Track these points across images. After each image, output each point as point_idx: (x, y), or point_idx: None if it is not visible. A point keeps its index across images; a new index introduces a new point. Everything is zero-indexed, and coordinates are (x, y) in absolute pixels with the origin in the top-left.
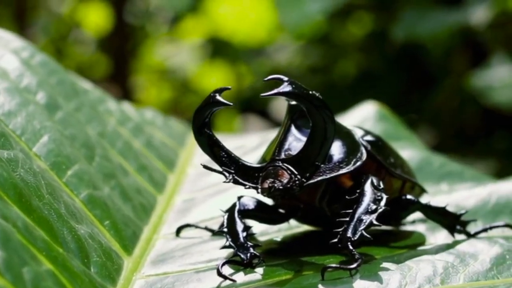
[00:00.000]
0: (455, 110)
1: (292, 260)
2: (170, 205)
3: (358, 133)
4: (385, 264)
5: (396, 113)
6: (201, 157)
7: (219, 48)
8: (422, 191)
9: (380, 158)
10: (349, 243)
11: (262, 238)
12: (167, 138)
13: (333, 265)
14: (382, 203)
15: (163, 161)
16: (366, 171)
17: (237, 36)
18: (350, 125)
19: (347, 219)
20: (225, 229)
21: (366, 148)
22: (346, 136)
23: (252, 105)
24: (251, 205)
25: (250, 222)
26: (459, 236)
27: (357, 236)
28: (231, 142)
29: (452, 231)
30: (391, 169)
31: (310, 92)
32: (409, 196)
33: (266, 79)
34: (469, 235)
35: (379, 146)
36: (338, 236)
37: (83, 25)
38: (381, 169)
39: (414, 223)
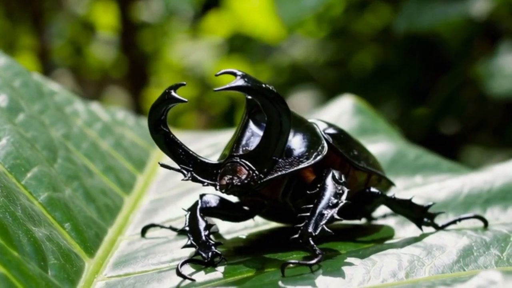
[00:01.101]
0: (477, 100)
1: (255, 258)
2: (137, 206)
3: (320, 127)
4: (349, 259)
5: (411, 104)
6: None
7: (236, 44)
8: (390, 184)
9: (343, 151)
10: (310, 239)
11: (227, 236)
12: (138, 138)
13: (293, 261)
14: (343, 197)
15: (132, 162)
16: (329, 165)
17: (255, 31)
18: (313, 119)
19: (308, 214)
20: (187, 228)
21: (327, 141)
22: (306, 129)
23: None
24: (213, 203)
25: (215, 220)
26: (429, 229)
27: (318, 231)
28: (207, 140)
29: (419, 224)
30: (355, 162)
31: (264, 85)
32: (373, 189)
33: (218, 73)
34: (437, 228)
35: (341, 139)
36: (299, 231)
37: (98, 25)
38: (345, 163)
39: (385, 217)
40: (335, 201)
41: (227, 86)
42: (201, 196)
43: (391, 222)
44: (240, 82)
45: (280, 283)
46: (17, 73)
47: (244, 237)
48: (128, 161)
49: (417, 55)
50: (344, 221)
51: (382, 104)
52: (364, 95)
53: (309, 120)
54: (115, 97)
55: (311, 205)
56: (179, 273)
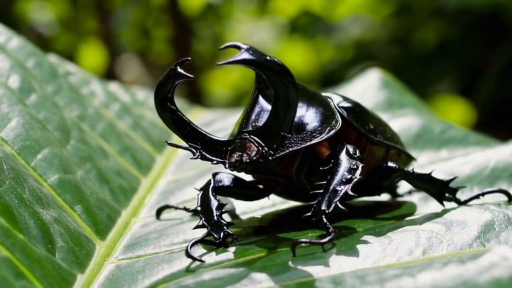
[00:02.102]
0: None
1: (269, 237)
2: (154, 187)
3: (335, 100)
4: (365, 237)
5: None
6: None
7: (300, 24)
8: (410, 158)
9: (358, 125)
10: (323, 216)
11: (243, 216)
12: (158, 117)
13: (304, 240)
14: (357, 172)
15: (151, 142)
16: (344, 140)
17: (319, 10)
18: (328, 92)
19: (321, 191)
20: (199, 208)
21: (342, 115)
22: (319, 103)
23: (333, 79)
24: (227, 182)
25: (232, 199)
26: (451, 205)
27: (331, 209)
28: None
29: (440, 199)
30: (371, 136)
31: (269, 58)
32: (390, 164)
33: (221, 47)
34: (459, 203)
35: (356, 112)
36: (312, 209)
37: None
38: (361, 137)
39: (411, 193)
40: (349, 176)
41: (231, 59)
42: (214, 175)
43: (415, 198)
44: (244, 55)
45: (290, 263)
46: (30, 54)
47: (259, 216)
48: (146, 142)
49: (476, 30)
50: (365, 198)
51: (441, 80)
52: (423, 72)
53: (324, 94)
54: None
55: (325, 182)
56: (188, 255)
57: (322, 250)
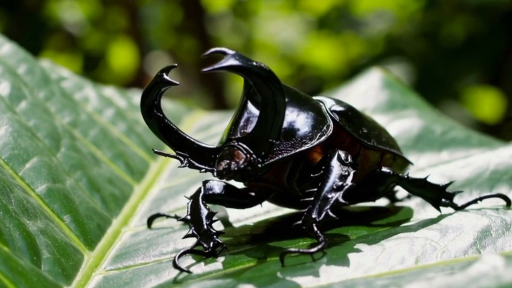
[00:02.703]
0: None
1: (259, 247)
2: (147, 194)
3: (327, 104)
4: (357, 245)
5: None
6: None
7: (328, 20)
8: (407, 162)
9: (350, 130)
10: (313, 225)
11: (236, 224)
12: None
13: (293, 249)
14: (349, 179)
15: (145, 148)
16: (338, 145)
17: (348, 5)
18: (320, 96)
19: (312, 198)
20: (188, 217)
21: (334, 120)
22: (310, 108)
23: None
24: (217, 189)
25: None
26: (448, 210)
27: (321, 217)
28: None
29: (436, 204)
30: (364, 141)
31: (255, 64)
32: (384, 169)
33: (205, 53)
34: (456, 208)
35: (349, 116)
36: (302, 217)
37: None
38: (355, 142)
39: (410, 198)
40: (340, 183)
41: (217, 66)
42: (204, 182)
43: (413, 203)
44: (230, 61)
45: (279, 273)
46: (22, 60)
47: (251, 224)
48: (140, 148)
49: (503, 24)
50: (362, 204)
51: (469, 74)
52: (452, 66)
53: (316, 98)
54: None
55: (315, 189)
56: (175, 265)
57: (311, 260)
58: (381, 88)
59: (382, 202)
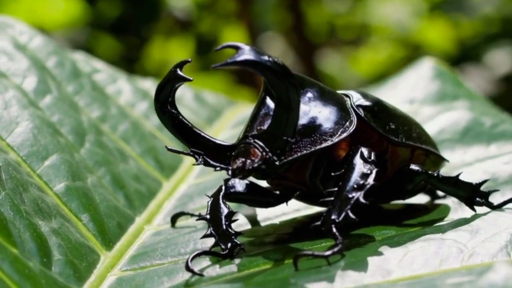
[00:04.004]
0: None
1: (279, 248)
2: (176, 191)
3: (353, 98)
4: (381, 248)
5: None
6: (229, 132)
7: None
8: (441, 159)
9: (376, 125)
10: (332, 226)
11: (263, 223)
12: (193, 115)
13: (307, 252)
14: (370, 178)
15: (179, 143)
16: (365, 141)
17: None
18: (347, 90)
19: (332, 198)
20: (208, 216)
21: (359, 115)
22: (333, 103)
23: (473, 56)
24: (240, 188)
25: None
26: (485, 209)
27: (341, 218)
28: None
29: (470, 204)
30: (391, 137)
31: (269, 58)
32: (413, 166)
33: (218, 48)
34: (492, 207)
35: (375, 111)
36: (322, 218)
37: None
38: (382, 138)
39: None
40: (361, 182)
41: (229, 61)
42: (226, 180)
43: (451, 201)
44: (242, 56)
45: (292, 278)
46: (52, 53)
47: (278, 223)
48: (174, 142)
49: None
50: (399, 202)
51: None
52: None
53: (342, 92)
54: (329, 62)
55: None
56: (188, 268)
57: (327, 263)
58: (432, 78)
59: (422, 199)
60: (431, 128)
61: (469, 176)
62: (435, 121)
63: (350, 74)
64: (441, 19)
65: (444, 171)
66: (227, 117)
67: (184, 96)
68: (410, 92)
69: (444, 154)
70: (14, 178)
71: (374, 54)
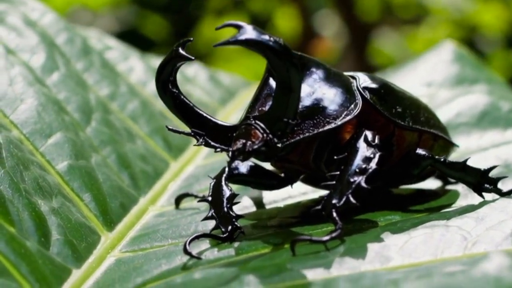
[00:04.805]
0: None
1: (280, 232)
2: (183, 172)
3: (360, 80)
4: (383, 234)
5: None
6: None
7: None
8: (450, 144)
9: (381, 108)
10: (333, 210)
11: (268, 206)
12: (206, 96)
13: (304, 237)
14: (373, 162)
15: None
16: (371, 124)
17: None
18: (354, 72)
19: (334, 182)
20: (209, 198)
21: (364, 97)
22: (338, 85)
23: None
24: (243, 169)
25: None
26: (494, 196)
27: (342, 202)
28: None
29: (478, 190)
30: (397, 120)
31: (270, 38)
32: (419, 150)
33: (218, 27)
34: (501, 194)
35: (381, 94)
36: (322, 202)
37: None
38: (389, 121)
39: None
40: (363, 166)
41: (229, 39)
42: (229, 162)
43: (461, 187)
44: (244, 35)
45: (288, 263)
46: (63, 29)
47: (282, 207)
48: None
49: None
50: (409, 186)
51: None
52: None
53: (349, 74)
54: (386, 40)
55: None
56: (186, 251)
57: (325, 249)
58: (452, 61)
59: (433, 184)
60: (447, 112)
61: (482, 161)
62: (452, 105)
63: (407, 53)
64: (496, 0)
65: (458, 156)
66: (241, 98)
67: (198, 76)
68: (428, 75)
69: (460, 138)
70: (15, 156)
71: (432, 34)
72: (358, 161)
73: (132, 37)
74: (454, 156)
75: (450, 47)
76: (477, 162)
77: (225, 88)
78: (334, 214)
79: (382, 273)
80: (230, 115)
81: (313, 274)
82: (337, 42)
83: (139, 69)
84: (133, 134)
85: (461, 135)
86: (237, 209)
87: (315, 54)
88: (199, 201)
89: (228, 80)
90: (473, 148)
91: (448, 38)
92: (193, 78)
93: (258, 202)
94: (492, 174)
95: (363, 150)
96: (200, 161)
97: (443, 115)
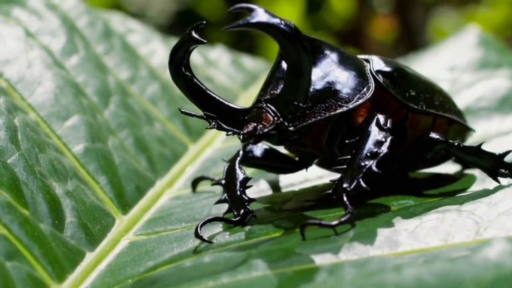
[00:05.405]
0: None
1: (292, 216)
2: (201, 155)
3: (373, 64)
4: (394, 218)
5: None
6: None
7: None
8: (466, 129)
9: (395, 92)
10: (343, 195)
11: (285, 189)
12: (229, 80)
13: (313, 221)
14: (385, 146)
15: None
16: (384, 108)
17: None
18: (368, 55)
19: (345, 166)
20: (223, 181)
21: (378, 81)
22: (351, 68)
23: None
24: (258, 153)
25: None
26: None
27: (352, 186)
28: None
29: (493, 175)
30: (411, 104)
31: (281, 21)
32: (432, 134)
33: (231, 9)
34: None
35: (395, 77)
36: (333, 186)
37: None
38: (402, 105)
39: None
40: (375, 150)
41: (240, 23)
42: (244, 146)
43: (478, 171)
44: (255, 18)
45: (297, 248)
46: (84, 12)
47: (297, 190)
48: None
49: None
50: (426, 170)
51: None
52: None
53: (363, 57)
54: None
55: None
56: (197, 235)
57: (343, 231)
58: (476, 46)
59: (450, 168)
60: (469, 96)
61: (501, 146)
62: (474, 89)
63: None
64: None
65: (477, 140)
66: (263, 82)
67: (220, 60)
68: (451, 60)
69: (481, 122)
70: (31, 138)
71: (492, 13)
72: (369, 145)
73: (188, 16)
74: (473, 141)
75: (475, 31)
76: (497, 146)
77: (248, 72)
78: (345, 198)
79: (389, 259)
80: (252, 99)
81: (321, 259)
82: (396, 21)
83: (161, 52)
84: (152, 117)
85: (482, 120)
86: (253, 192)
87: (373, 33)
88: (212, 185)
89: (252, 64)
90: (493, 133)
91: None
92: (216, 62)
93: (275, 185)
94: (509, 158)
95: (374, 134)
96: (219, 144)
97: (465, 99)
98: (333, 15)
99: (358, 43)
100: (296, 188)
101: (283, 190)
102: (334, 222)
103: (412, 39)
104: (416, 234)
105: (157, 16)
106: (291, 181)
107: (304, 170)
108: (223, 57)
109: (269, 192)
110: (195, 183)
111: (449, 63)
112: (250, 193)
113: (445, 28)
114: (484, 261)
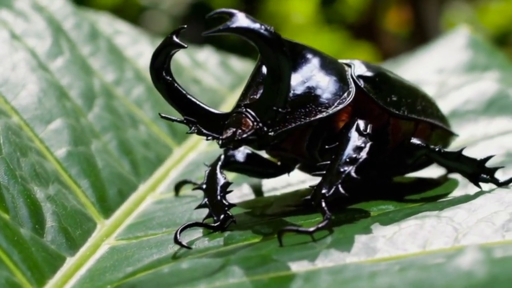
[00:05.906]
0: None
1: (272, 221)
2: (185, 158)
3: (354, 68)
4: (373, 225)
5: None
6: None
7: None
8: (449, 134)
9: (376, 97)
10: (322, 200)
11: (267, 194)
12: (216, 82)
13: (291, 227)
14: (364, 152)
15: None
16: (366, 113)
17: None
18: (350, 59)
19: (324, 172)
20: (204, 186)
21: (359, 86)
22: (332, 73)
23: None
24: (240, 157)
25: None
26: (491, 186)
27: (331, 192)
28: None
29: (474, 180)
30: (391, 109)
31: (261, 26)
32: (413, 140)
33: (210, 14)
34: (498, 184)
35: (376, 82)
36: (312, 192)
37: None
38: (383, 110)
39: None
40: (354, 156)
41: (221, 28)
42: (226, 150)
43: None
44: (235, 23)
45: (274, 254)
46: (70, 14)
47: (279, 195)
48: None
49: None
50: (410, 175)
51: None
52: None
53: (344, 61)
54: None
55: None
56: (176, 240)
57: (321, 238)
58: (465, 47)
59: (435, 172)
60: (456, 99)
61: (486, 149)
62: (461, 92)
63: (478, 26)
64: None
65: (463, 144)
66: None
67: (208, 61)
68: (440, 62)
69: (467, 126)
70: (13, 142)
71: (505, 6)
72: (348, 150)
73: (201, 8)
74: (458, 145)
75: (464, 33)
76: (483, 149)
77: (236, 74)
78: (323, 204)
79: (366, 266)
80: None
81: (298, 266)
82: (409, 14)
83: (148, 54)
84: (137, 120)
85: (468, 123)
86: (235, 197)
87: (387, 26)
88: (194, 189)
89: (239, 66)
90: (479, 136)
91: None
92: (204, 63)
93: (257, 190)
94: (492, 163)
95: (354, 139)
96: (204, 147)
97: (452, 102)
98: (347, 8)
99: (372, 36)
100: (278, 193)
101: (265, 195)
102: (312, 229)
103: (425, 32)
104: (394, 241)
105: (170, 9)
106: (273, 185)
107: (287, 175)
108: (211, 58)
109: (252, 196)
110: (178, 187)
111: (437, 65)
112: (232, 197)
113: (458, 22)
114: (456, 270)
